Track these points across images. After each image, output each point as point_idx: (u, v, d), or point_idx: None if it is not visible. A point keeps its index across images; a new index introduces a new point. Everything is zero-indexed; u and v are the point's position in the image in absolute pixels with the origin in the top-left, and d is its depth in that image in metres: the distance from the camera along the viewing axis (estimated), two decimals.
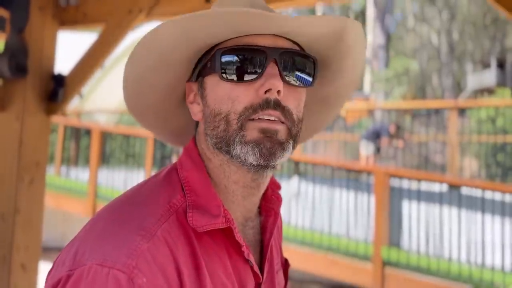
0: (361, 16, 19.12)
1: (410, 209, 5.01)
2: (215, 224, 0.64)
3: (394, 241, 5.06)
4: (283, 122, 0.65)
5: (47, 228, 2.30)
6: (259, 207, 0.79)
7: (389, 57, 14.99)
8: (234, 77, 0.64)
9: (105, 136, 7.02)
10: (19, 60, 2.10)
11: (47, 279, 0.60)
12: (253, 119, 0.64)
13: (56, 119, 7.27)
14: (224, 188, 0.71)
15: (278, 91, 0.64)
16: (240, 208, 0.73)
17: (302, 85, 0.68)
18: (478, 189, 4.74)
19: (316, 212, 5.53)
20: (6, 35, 2.13)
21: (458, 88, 16.44)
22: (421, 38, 16.78)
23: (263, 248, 0.76)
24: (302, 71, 0.68)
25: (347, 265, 4.73)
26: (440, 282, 4.22)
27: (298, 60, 0.68)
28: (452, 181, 5.43)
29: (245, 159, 0.65)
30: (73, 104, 10.58)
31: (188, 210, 0.65)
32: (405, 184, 5.26)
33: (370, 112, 10.16)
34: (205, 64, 0.70)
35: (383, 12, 14.16)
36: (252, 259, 0.69)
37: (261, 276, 0.72)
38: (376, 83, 13.71)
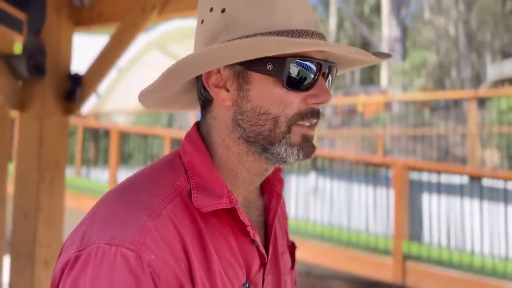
0: (376, 9, 18.91)
1: (430, 202, 4.94)
2: (220, 204, 0.66)
3: (415, 234, 5.00)
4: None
5: (69, 228, 2.32)
6: (262, 190, 0.82)
7: (406, 50, 14.77)
8: (294, 86, 0.67)
9: (124, 136, 7.10)
10: (37, 61, 2.13)
11: (56, 264, 0.61)
12: (298, 124, 0.69)
13: (75, 121, 7.39)
14: (236, 174, 0.73)
15: None
16: (244, 192, 0.76)
17: None
18: (500, 180, 4.65)
19: (335, 208, 5.50)
20: (24, 37, 2.17)
21: (477, 79, 16.09)
22: (438, 29, 16.48)
23: (267, 229, 0.79)
24: (333, 81, 0.74)
25: (367, 260, 4.69)
26: (463, 275, 4.15)
27: (334, 73, 0.73)
28: (473, 173, 5.33)
29: (285, 157, 0.69)
30: (91, 106, 10.73)
31: (192, 192, 0.66)
32: (425, 177, 5.18)
33: (388, 106, 10.02)
34: (256, 61, 0.66)
35: (398, 5, 13.96)
36: (257, 239, 0.72)
37: (266, 256, 0.74)
38: (393, 77, 13.53)
